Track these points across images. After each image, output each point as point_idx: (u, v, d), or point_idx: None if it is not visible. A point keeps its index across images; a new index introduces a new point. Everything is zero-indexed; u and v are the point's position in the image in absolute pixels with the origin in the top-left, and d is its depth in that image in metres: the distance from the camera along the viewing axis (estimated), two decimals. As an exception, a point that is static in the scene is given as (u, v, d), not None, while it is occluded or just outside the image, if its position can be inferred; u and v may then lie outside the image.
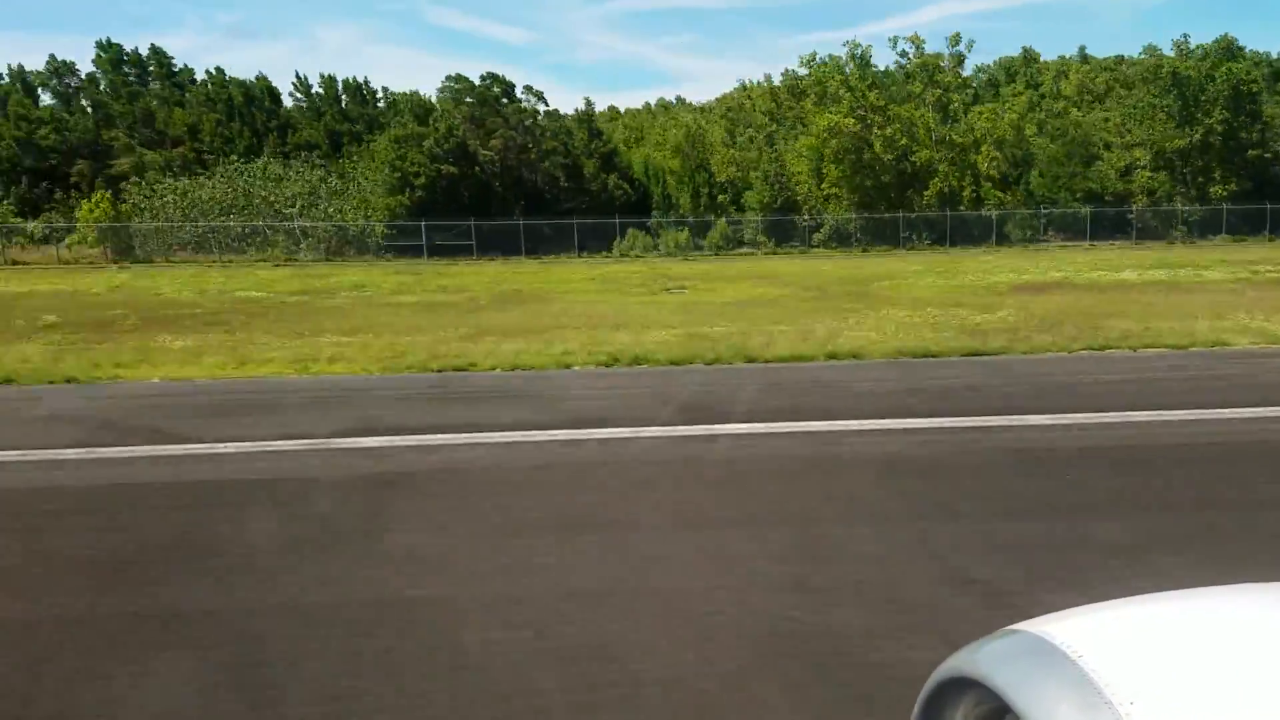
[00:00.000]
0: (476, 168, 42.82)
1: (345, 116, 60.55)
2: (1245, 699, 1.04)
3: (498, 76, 45.48)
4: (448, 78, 47.63)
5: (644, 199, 47.86)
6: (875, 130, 44.73)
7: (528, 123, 44.64)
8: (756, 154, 50.38)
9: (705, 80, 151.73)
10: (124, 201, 44.21)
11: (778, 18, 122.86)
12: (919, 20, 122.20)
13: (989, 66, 70.91)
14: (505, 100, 45.08)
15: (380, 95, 61.02)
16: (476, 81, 45.17)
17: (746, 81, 69.15)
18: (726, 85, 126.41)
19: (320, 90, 62.28)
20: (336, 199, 44.67)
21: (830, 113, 44.96)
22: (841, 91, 45.75)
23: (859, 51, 47.72)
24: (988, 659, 1.23)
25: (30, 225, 46.36)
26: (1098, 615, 1.28)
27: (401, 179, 42.40)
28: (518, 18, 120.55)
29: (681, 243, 44.11)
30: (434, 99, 47.74)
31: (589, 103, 51.08)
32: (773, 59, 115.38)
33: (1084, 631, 1.20)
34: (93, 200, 43.30)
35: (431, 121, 43.42)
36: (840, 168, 45.53)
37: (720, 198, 50.10)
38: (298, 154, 52.63)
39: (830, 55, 50.53)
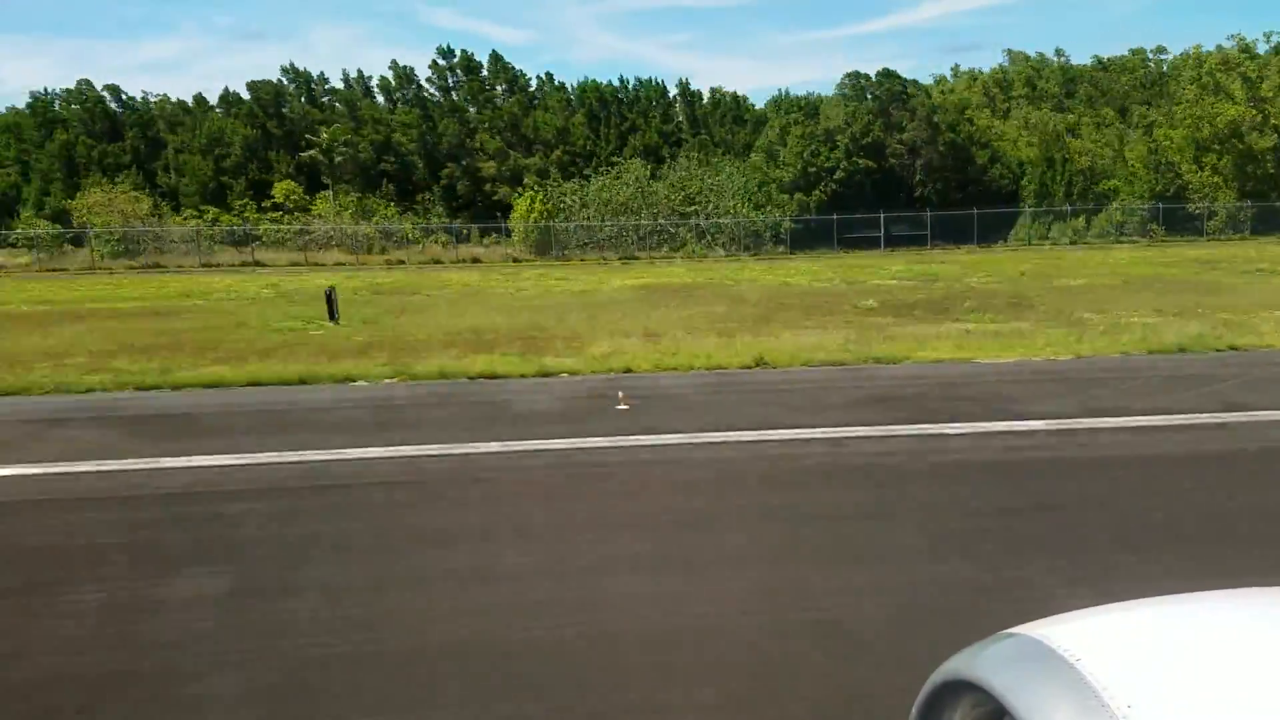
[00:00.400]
0: (892, 160, 45.61)
1: (667, 117, 63.98)
2: (1242, 703, 1.06)
3: (892, 72, 48.46)
4: (847, 75, 50.66)
5: (1016, 188, 49.98)
6: (1272, 120, 46.22)
7: (927, 115, 47.14)
8: (1116, 141, 52.04)
9: (705, 79, 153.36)
10: (548, 201, 47.96)
11: (777, 16, 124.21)
12: (920, 17, 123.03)
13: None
14: (904, 95, 47.78)
15: (706, 95, 64.35)
16: (873, 76, 48.27)
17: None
18: (726, 83, 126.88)
19: (639, 93, 65.83)
20: (738, 197, 47.70)
21: (1230, 103, 46.45)
22: (1234, 85, 47.23)
23: (1245, 44, 49.29)
24: (986, 662, 1.24)
25: (461, 225, 50.62)
26: (1095, 619, 1.29)
27: (815, 174, 45.37)
28: (515, 17, 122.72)
29: (1079, 229, 46.20)
30: (832, 97, 50.65)
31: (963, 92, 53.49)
32: (772, 56, 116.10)
33: (1082, 635, 1.21)
34: (525, 200, 47.20)
35: (845, 118, 46.34)
36: (1226, 156, 47.00)
37: (1079, 186, 51.74)
38: (646, 154, 56.14)
39: (1218, 46, 51.86)
